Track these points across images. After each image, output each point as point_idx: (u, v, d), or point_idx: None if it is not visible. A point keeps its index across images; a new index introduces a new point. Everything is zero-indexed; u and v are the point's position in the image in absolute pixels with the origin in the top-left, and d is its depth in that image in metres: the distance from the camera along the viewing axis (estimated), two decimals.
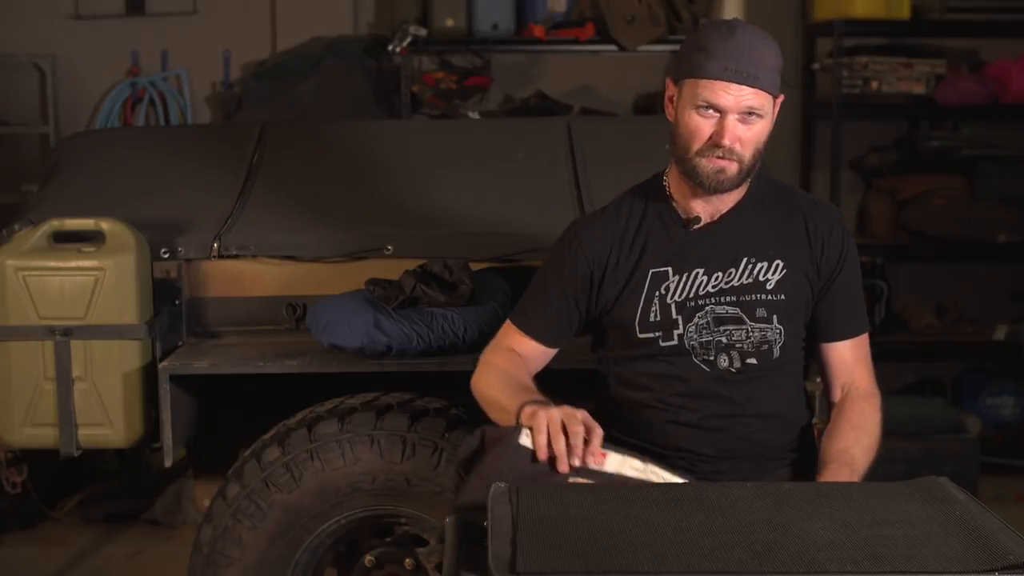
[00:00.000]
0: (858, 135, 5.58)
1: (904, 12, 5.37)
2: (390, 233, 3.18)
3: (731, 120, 2.27)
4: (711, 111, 2.28)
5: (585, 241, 2.44)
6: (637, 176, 2.54)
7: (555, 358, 2.52)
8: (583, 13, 5.46)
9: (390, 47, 5.31)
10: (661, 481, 2.16)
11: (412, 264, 3.05)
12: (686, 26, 5.41)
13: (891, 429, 4.58)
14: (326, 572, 3.03)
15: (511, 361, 2.46)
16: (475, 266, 3.07)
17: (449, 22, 5.36)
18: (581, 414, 2.16)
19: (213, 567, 2.90)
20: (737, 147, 2.28)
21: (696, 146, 2.30)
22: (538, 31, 5.37)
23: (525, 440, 2.16)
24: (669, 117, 2.38)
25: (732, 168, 2.30)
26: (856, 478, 2.28)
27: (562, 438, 2.13)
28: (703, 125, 2.29)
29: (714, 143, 2.28)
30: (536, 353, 2.49)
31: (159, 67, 5.74)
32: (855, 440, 2.35)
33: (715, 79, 2.25)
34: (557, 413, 2.15)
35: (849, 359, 2.45)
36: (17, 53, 5.63)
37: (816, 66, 5.60)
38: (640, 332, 2.39)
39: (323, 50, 5.43)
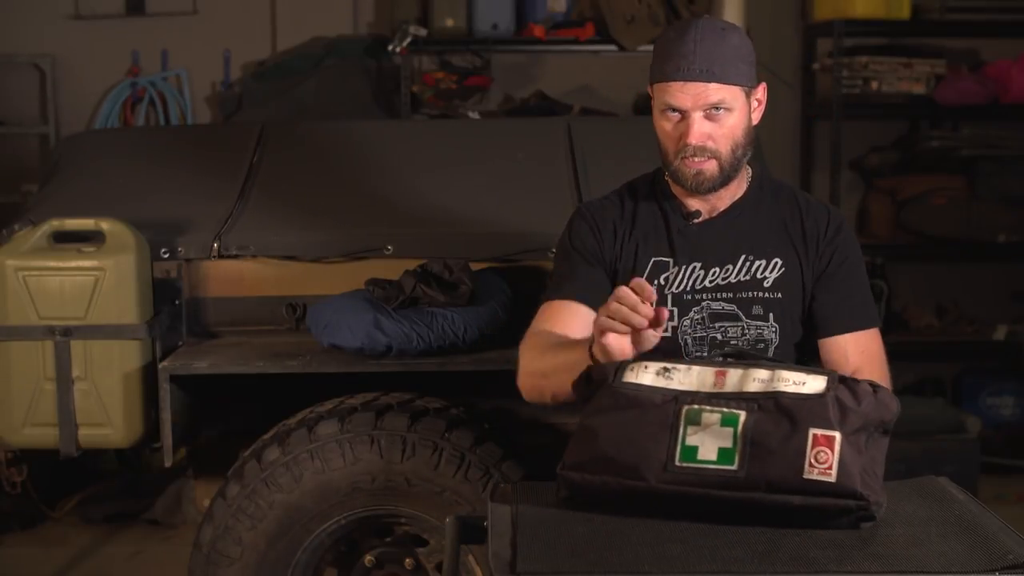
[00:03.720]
0: (858, 135, 5.58)
1: (904, 12, 5.37)
2: (390, 233, 3.18)
3: (695, 118, 2.27)
4: (674, 113, 2.29)
5: (591, 219, 2.43)
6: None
7: None
8: (583, 13, 5.45)
9: (390, 47, 5.30)
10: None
11: (412, 264, 3.05)
12: None
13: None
14: (326, 572, 3.03)
15: (549, 336, 2.33)
16: (475, 266, 3.07)
17: (449, 22, 5.36)
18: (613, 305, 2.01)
19: (213, 567, 2.90)
20: (709, 144, 2.28)
21: (671, 149, 2.32)
22: (538, 31, 5.36)
23: (631, 376, 1.95)
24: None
25: (710, 166, 2.30)
26: None
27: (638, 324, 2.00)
28: (669, 129, 2.31)
29: (684, 144, 2.29)
30: (577, 318, 2.33)
31: (159, 67, 5.73)
32: None
33: (671, 80, 2.26)
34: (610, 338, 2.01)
35: (852, 354, 2.35)
36: (17, 53, 5.63)
37: (816, 66, 5.60)
38: None
39: (323, 50, 5.43)
